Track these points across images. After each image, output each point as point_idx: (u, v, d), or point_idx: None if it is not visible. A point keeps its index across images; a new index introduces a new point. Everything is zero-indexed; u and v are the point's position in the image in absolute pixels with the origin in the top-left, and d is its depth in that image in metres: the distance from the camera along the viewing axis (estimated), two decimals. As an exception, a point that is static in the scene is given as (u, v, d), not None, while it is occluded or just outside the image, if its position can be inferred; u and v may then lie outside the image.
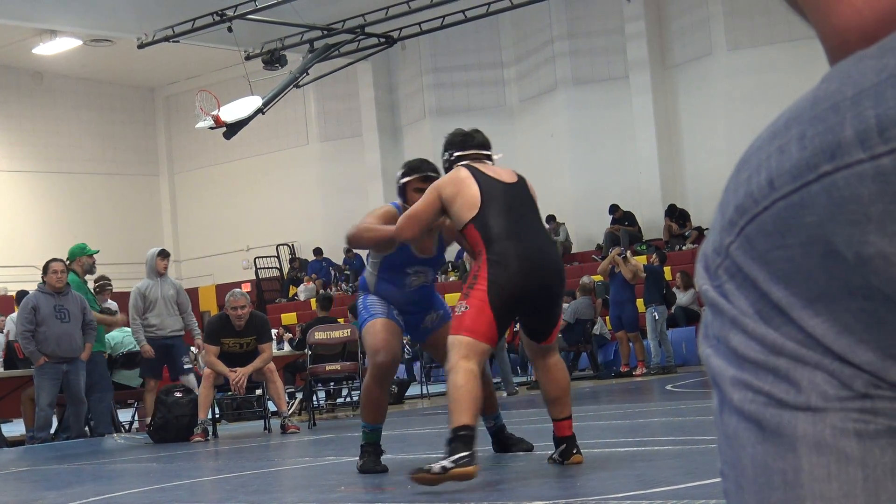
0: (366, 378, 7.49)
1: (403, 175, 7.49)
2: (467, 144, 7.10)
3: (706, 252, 1.15)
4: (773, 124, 1.10)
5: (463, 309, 6.37)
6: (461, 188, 6.57)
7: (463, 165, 6.82)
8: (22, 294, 15.40)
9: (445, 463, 5.97)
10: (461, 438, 6.06)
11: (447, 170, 7.03)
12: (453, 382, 6.23)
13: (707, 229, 24.55)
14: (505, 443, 7.79)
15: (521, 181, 6.83)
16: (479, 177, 6.66)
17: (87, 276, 14.42)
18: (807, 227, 1.04)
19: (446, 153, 7.17)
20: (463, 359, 6.27)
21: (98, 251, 14.38)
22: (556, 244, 6.56)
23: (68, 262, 13.85)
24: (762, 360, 1.10)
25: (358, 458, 7.43)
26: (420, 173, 7.46)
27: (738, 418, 1.13)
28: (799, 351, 1.08)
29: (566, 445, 6.75)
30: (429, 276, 7.42)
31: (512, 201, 6.62)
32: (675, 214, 25.65)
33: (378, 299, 7.41)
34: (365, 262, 7.88)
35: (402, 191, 7.44)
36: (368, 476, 7.22)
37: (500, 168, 6.95)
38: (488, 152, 7.09)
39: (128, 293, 14.35)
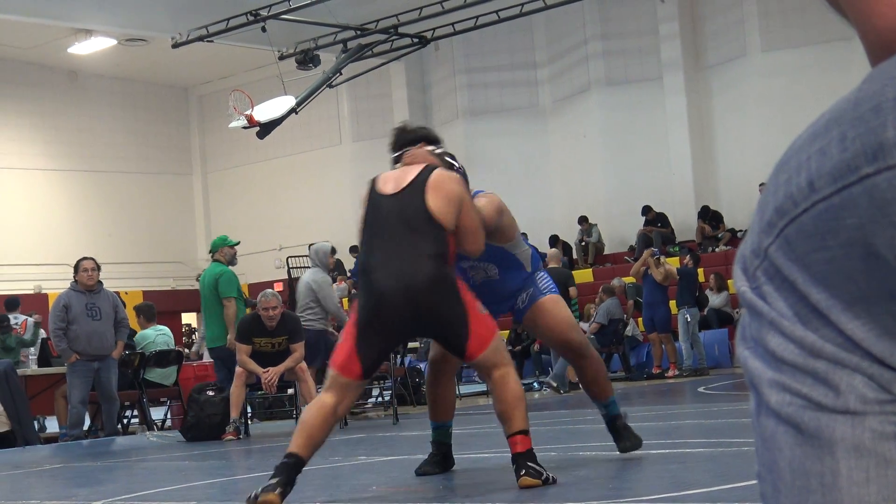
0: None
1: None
2: (394, 145, 6.78)
3: (744, 253, 1.14)
4: (813, 125, 1.09)
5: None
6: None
7: (373, 178, 6.52)
8: None
9: (258, 489, 5.92)
10: (282, 465, 6.04)
11: None
12: (304, 410, 6.52)
13: (740, 231, 24.57)
14: (615, 434, 7.29)
15: (411, 186, 6.30)
16: (371, 193, 6.39)
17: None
18: (847, 229, 1.03)
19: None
20: (323, 390, 6.35)
21: (238, 242, 14.68)
22: (424, 256, 5.60)
23: (211, 253, 14.16)
24: (800, 362, 1.09)
25: None
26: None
27: (776, 421, 1.12)
28: (838, 354, 1.07)
29: (516, 465, 6.25)
30: (489, 271, 7.10)
31: (386, 218, 6.25)
32: (708, 216, 25.56)
33: None
34: None
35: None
36: (400, 475, 7.22)
37: (406, 170, 6.44)
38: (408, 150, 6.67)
39: (159, 291, 14.41)
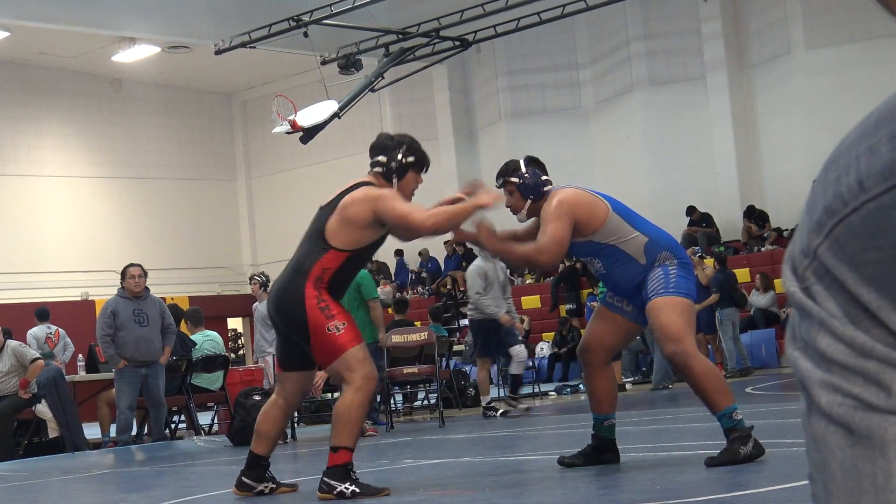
0: None
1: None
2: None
3: (793, 254, 1.13)
4: (861, 124, 1.08)
5: None
6: None
7: None
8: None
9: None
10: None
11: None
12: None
13: (786, 230, 24.42)
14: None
15: (329, 203, 7.08)
16: None
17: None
18: (898, 228, 1.02)
19: None
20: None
21: None
22: (289, 269, 6.34)
23: None
24: (851, 362, 1.08)
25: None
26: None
27: (827, 422, 1.11)
28: (889, 354, 1.07)
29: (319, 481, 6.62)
30: (595, 265, 7.13)
31: (308, 230, 7.09)
32: (754, 215, 25.43)
33: None
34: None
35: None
36: (446, 478, 7.21)
37: (343, 184, 7.26)
38: (376, 158, 7.32)
39: (205, 296, 14.48)
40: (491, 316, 14.00)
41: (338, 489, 6.51)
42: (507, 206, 7.15)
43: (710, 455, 6.65)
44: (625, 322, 7.09)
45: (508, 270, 14.15)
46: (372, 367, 6.79)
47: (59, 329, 19.38)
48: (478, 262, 14.30)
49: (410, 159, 7.20)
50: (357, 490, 6.50)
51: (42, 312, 19.60)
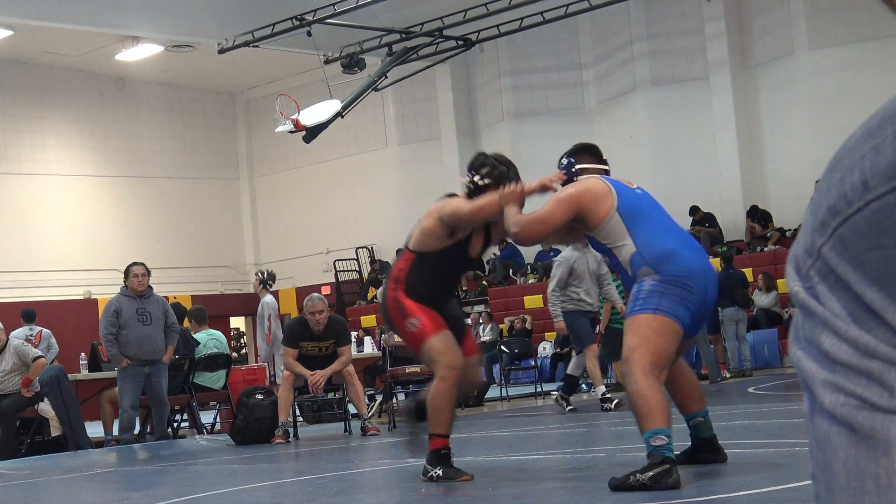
0: None
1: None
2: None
3: (797, 253, 1.13)
4: (865, 123, 1.08)
5: None
6: None
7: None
8: None
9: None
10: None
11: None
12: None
13: (789, 230, 24.40)
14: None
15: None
16: None
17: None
18: (903, 228, 1.02)
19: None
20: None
21: None
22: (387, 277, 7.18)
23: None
24: (854, 362, 1.08)
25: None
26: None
27: (830, 421, 1.11)
28: (893, 354, 1.06)
29: None
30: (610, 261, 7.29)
31: None
32: (757, 215, 25.42)
33: None
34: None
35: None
36: (450, 478, 7.22)
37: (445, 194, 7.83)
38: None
39: (207, 295, 14.48)
40: (580, 308, 13.53)
41: (430, 473, 7.06)
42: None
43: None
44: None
45: (602, 260, 13.63)
46: (453, 355, 7.11)
47: (43, 330, 19.31)
48: (565, 252, 13.86)
49: (487, 181, 7.39)
50: (440, 474, 6.99)
51: (28, 314, 19.57)
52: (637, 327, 6.36)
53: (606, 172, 7.13)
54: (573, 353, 14.36)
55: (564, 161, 7.24)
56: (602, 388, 13.87)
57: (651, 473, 6.01)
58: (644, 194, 6.91)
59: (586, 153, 7.22)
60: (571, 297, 13.56)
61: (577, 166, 7.10)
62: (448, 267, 7.43)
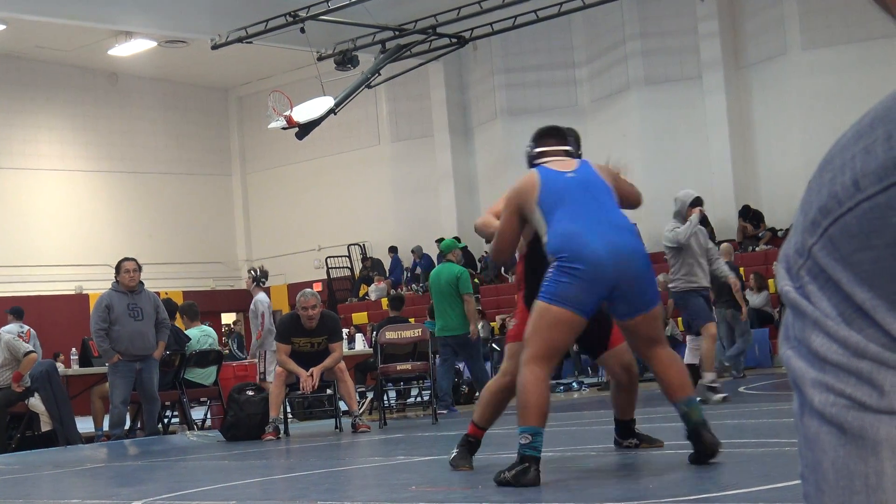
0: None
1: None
2: None
3: (788, 253, 1.13)
4: (857, 124, 1.08)
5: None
6: None
7: None
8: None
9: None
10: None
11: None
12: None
13: (781, 230, 24.42)
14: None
15: None
16: None
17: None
18: (894, 228, 1.02)
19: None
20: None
21: (465, 245, 15.14)
22: None
23: (442, 254, 15.05)
24: (844, 362, 1.08)
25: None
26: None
27: (820, 421, 1.11)
28: (882, 354, 1.06)
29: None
30: None
31: None
32: (749, 215, 25.44)
33: None
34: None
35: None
36: (439, 475, 7.22)
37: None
38: None
39: (199, 291, 14.47)
40: (691, 286, 12.78)
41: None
42: None
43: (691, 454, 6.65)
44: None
45: (707, 234, 13.11)
46: (513, 362, 6.98)
47: (31, 329, 19.29)
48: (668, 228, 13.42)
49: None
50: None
51: (17, 311, 19.55)
52: (534, 316, 6.44)
53: (568, 154, 6.95)
54: (687, 339, 13.45)
55: (527, 147, 7.08)
56: (712, 376, 12.66)
57: (513, 472, 6.22)
58: (576, 178, 6.68)
59: (549, 136, 7.04)
60: (683, 275, 12.87)
61: (537, 150, 7.00)
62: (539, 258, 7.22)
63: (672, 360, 6.81)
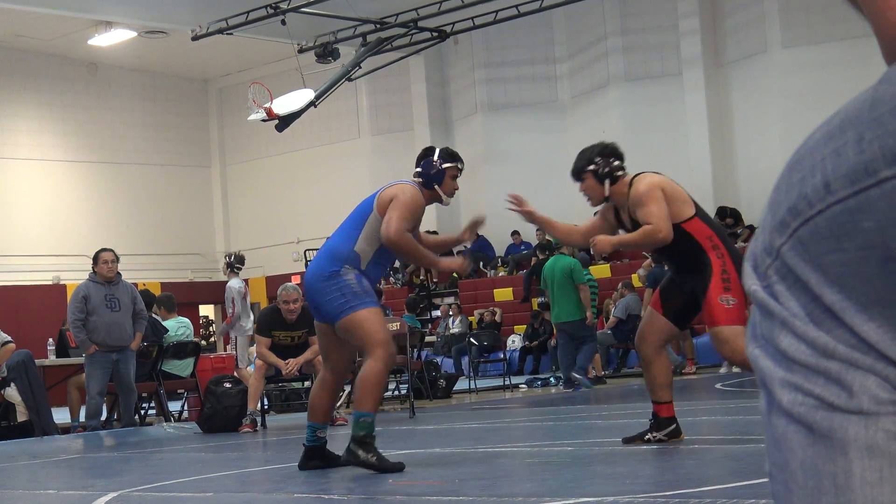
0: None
1: (444, 161, 7.77)
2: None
3: (755, 252, 1.14)
4: (826, 125, 1.08)
5: (733, 302, 7.17)
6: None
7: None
8: None
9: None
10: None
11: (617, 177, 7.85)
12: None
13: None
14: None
15: None
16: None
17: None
18: (864, 232, 1.02)
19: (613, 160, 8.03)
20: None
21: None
22: None
23: (557, 246, 15.38)
24: (813, 362, 1.09)
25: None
26: (461, 163, 8.06)
27: (788, 421, 1.12)
28: (851, 354, 1.07)
29: None
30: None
31: None
32: (727, 214, 25.51)
33: None
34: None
35: (441, 176, 7.92)
36: (417, 469, 7.22)
37: None
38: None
39: (177, 283, 14.43)
40: None
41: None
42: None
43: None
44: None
45: None
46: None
47: None
48: None
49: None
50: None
51: None
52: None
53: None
54: None
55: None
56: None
57: (370, 454, 7.25)
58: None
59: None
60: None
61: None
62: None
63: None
